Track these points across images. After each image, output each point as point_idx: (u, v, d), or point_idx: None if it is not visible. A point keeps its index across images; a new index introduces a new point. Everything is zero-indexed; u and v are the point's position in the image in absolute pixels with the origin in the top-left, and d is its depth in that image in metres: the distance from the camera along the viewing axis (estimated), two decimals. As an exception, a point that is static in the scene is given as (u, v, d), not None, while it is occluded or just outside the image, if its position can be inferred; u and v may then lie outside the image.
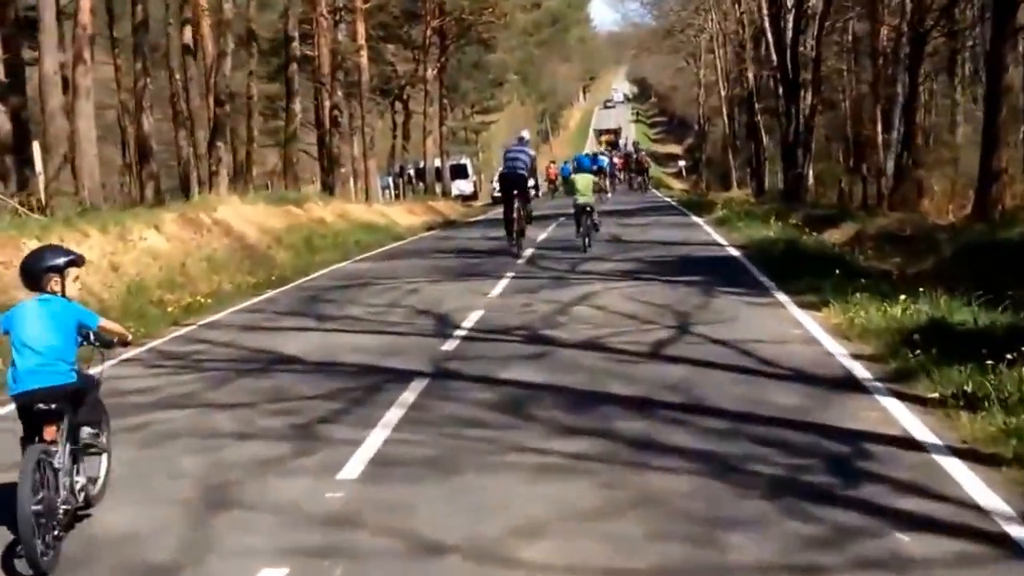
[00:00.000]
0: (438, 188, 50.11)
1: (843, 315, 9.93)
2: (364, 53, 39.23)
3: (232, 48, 24.07)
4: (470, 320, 10.82)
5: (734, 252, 16.66)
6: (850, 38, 42.38)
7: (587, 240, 17.79)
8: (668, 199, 41.15)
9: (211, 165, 23.29)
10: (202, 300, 13.91)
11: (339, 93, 32.57)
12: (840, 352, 8.54)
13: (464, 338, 9.83)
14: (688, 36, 59.16)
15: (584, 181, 18.56)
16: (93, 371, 5.65)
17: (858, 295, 10.27)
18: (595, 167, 51.06)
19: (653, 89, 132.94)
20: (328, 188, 32.88)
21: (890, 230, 19.34)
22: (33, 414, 5.07)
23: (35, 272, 5.17)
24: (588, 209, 18.03)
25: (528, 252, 18.10)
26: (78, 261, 5.30)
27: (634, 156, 63.53)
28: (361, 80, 39.56)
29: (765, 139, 45.78)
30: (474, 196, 54.52)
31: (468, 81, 63.89)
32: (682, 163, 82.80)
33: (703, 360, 8.36)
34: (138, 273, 15.29)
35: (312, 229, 25.67)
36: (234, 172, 28.72)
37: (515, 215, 17.67)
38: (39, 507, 4.73)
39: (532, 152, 18.55)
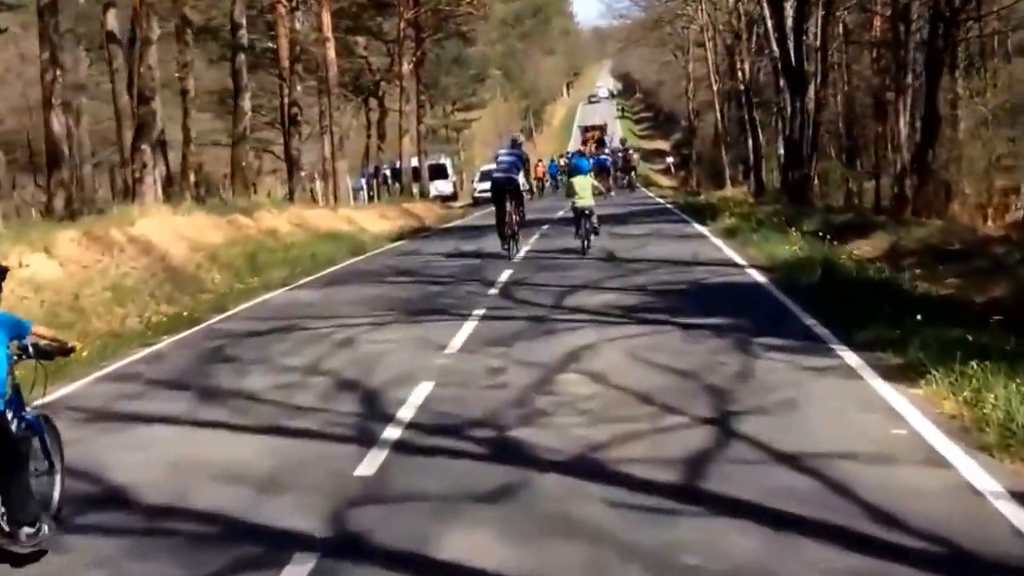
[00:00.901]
0: (416, 189, 46.67)
1: (956, 397, 6.62)
2: (331, 46, 35.75)
3: (159, 35, 20.58)
4: (410, 405, 7.41)
5: (759, 277, 13.29)
6: (841, 30, 39.16)
7: (586, 243, 17.24)
8: (660, 200, 37.79)
9: (134, 171, 19.79)
10: (76, 353, 10.45)
11: (299, 88, 29.12)
12: (992, 488, 5.18)
13: (396, 446, 6.42)
14: (676, 28, 55.79)
15: (583, 183, 17.82)
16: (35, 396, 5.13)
17: (972, 364, 6.94)
18: (596, 166, 48.02)
19: (639, 84, 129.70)
20: (290, 193, 29.51)
21: (932, 243, 16.06)
22: None
23: None
24: (587, 212, 17.41)
25: (505, 275, 14.77)
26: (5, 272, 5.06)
27: (620, 153, 60.30)
28: (328, 75, 36.09)
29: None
30: (454, 197, 51.06)
31: (448, 77, 60.41)
32: (670, 159, 79.56)
33: (776, 512, 4.98)
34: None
35: (260, 243, 22.24)
36: (168, 178, 25.23)
37: (507, 219, 17.12)
38: None
39: (524, 155, 18.27)
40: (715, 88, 49.13)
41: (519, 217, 17.69)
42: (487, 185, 43.58)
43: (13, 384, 4.89)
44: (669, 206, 31.95)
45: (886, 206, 28.45)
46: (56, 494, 5.14)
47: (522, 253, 17.88)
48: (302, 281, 16.72)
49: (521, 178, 17.92)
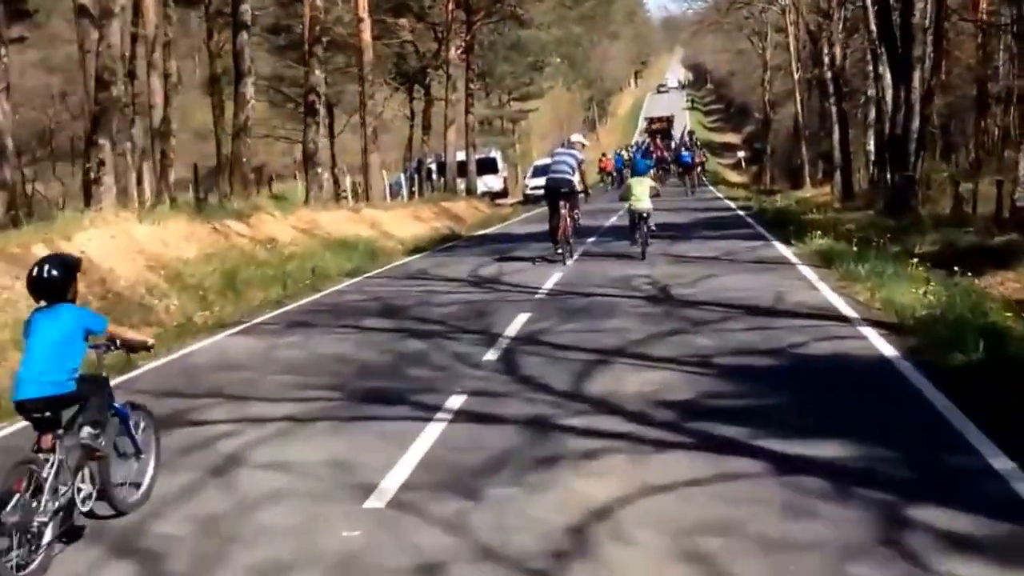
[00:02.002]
0: (462, 184, 42.75)
1: None
2: (366, 27, 32.00)
3: (124, 5, 16.88)
4: None
5: (884, 346, 8.74)
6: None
7: (644, 251, 16.12)
8: (730, 203, 33.18)
9: (88, 170, 16.13)
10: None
11: (318, 72, 25.28)
12: None
13: None
14: (754, 11, 50.90)
15: (641, 186, 16.82)
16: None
17: None
18: (651, 162, 43.84)
19: (710, 74, 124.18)
20: (306, 192, 25.78)
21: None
22: (33, 421, 5.03)
23: (57, 282, 5.06)
24: (645, 216, 16.37)
25: (518, 323, 10.69)
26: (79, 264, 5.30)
27: (686, 147, 55.98)
28: (363, 59, 32.35)
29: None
30: (504, 193, 47.00)
31: (505, 64, 56.30)
32: (741, 154, 74.44)
33: None
34: None
35: (247, 255, 18.50)
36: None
37: (561, 223, 16.17)
38: (13, 518, 4.58)
39: (580, 156, 16.99)
40: (796, 77, 44.24)
41: (573, 221, 16.77)
42: (540, 182, 39.61)
43: (102, 375, 5.53)
44: (741, 213, 27.34)
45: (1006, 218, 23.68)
46: (147, 477, 5.71)
47: (551, 284, 13.77)
48: (263, 317, 12.81)
49: (576, 180, 16.67)
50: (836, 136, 37.63)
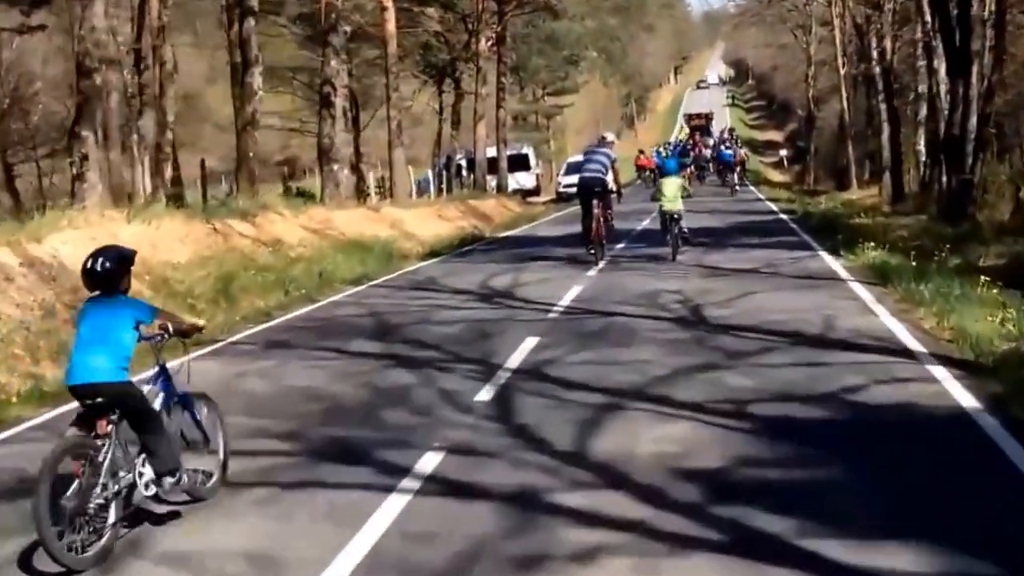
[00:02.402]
0: (492, 182, 41.29)
1: None
2: (391, 16, 30.63)
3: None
4: None
5: (963, 395, 6.95)
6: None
7: (675, 253, 15.87)
8: (772, 206, 31.36)
9: (72, 164, 14.85)
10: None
11: (333, 63, 23.91)
12: None
13: None
14: (797, 3, 48.85)
15: (672, 188, 16.60)
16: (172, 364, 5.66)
17: None
18: (684, 160, 42.14)
19: (751, 70, 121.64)
20: (320, 189, 24.46)
21: None
22: (86, 407, 5.05)
23: (111, 273, 5.15)
24: (676, 217, 16.10)
25: (524, 351, 9.21)
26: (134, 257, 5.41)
27: (726, 144, 54.02)
28: (388, 50, 31.00)
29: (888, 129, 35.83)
30: (536, 191, 45.49)
31: (539, 58, 54.73)
32: (783, 152, 72.26)
33: None
34: None
35: (248, 259, 17.26)
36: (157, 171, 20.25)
37: (595, 223, 15.80)
38: (71, 501, 4.66)
39: (613, 155, 16.73)
40: (842, 72, 42.18)
41: (606, 221, 16.44)
42: (573, 180, 37.99)
43: (160, 363, 5.54)
44: (784, 217, 25.53)
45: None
46: (217, 464, 5.76)
47: (569, 299, 12.25)
48: (242, 335, 11.41)
49: (610, 179, 16.31)
50: (885, 135, 35.64)
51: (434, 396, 7.80)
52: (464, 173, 41.81)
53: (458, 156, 42.65)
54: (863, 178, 42.73)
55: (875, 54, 36.49)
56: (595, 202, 15.78)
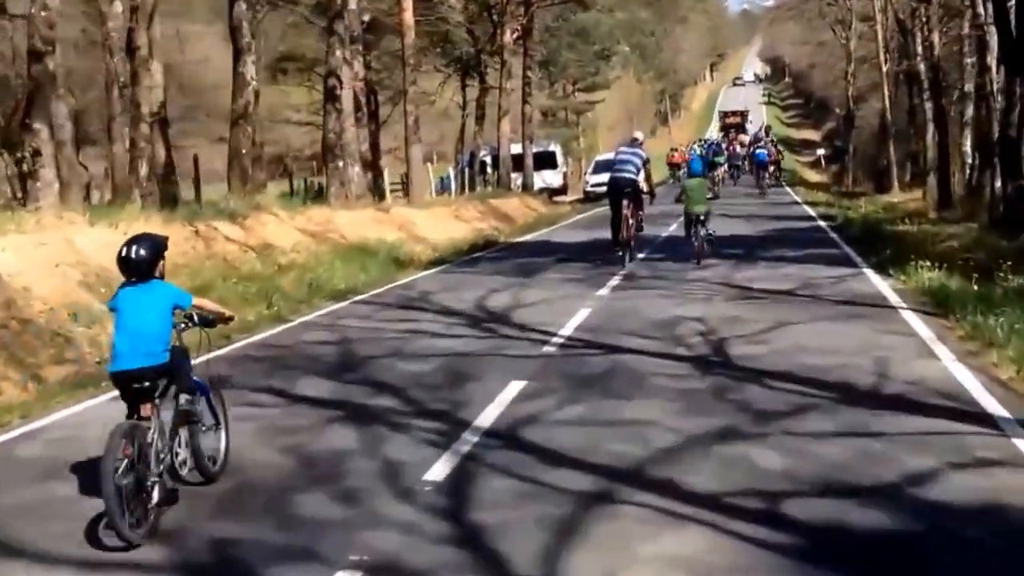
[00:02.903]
0: (518, 180, 39.48)
1: None
2: (408, 6, 28.93)
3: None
4: None
5: None
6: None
7: (700, 257, 15.25)
8: (808, 208, 29.27)
9: (21, 159, 13.22)
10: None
11: (337, 52, 22.20)
12: None
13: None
14: (838, -3, 46.54)
15: (697, 189, 16.19)
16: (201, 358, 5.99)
17: None
18: (717, 160, 40.05)
19: (788, 68, 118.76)
20: (322, 187, 22.77)
21: None
22: (130, 391, 5.20)
23: (146, 260, 5.26)
24: (701, 218, 15.55)
25: (505, 398, 7.42)
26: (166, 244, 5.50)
27: (762, 143, 51.79)
28: (404, 42, 29.30)
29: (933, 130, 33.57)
30: (563, 190, 43.59)
31: (569, 52, 52.79)
32: (821, 152, 69.70)
33: None
34: None
35: (231, 265, 15.73)
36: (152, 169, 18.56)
37: (624, 223, 15.43)
38: (127, 481, 4.85)
39: (644, 154, 16.31)
40: (884, 69, 39.85)
41: (636, 221, 15.91)
42: (602, 178, 36.02)
43: (181, 348, 5.56)
44: (822, 224, 23.42)
45: None
46: (223, 447, 6.02)
47: (571, 327, 10.41)
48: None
49: (642, 180, 15.93)
50: (930, 135, 33.42)
51: (374, 471, 6.02)
52: (489, 170, 40.03)
53: (482, 153, 40.88)
54: (904, 180, 40.39)
55: (920, 49, 34.19)
56: (625, 202, 15.35)
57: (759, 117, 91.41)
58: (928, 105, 33.93)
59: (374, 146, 34.28)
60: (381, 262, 18.50)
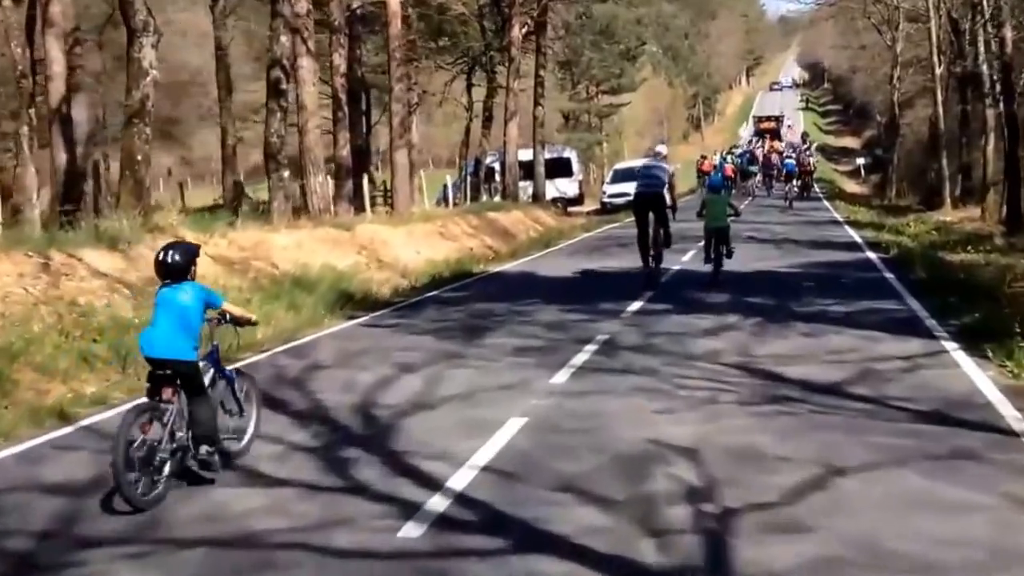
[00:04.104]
0: (529, 189, 35.23)
1: None
2: (394, -10, 24.86)
3: None
4: None
5: None
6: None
7: (716, 276, 14.40)
8: (852, 232, 24.61)
9: None
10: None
11: (283, 39, 18.02)
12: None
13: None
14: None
15: (716, 205, 14.95)
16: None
17: None
18: (751, 169, 35.90)
19: (827, 72, 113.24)
20: (269, 201, 18.61)
21: None
22: (156, 375, 5.81)
23: (180, 265, 5.89)
24: (721, 234, 14.59)
25: None
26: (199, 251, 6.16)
27: (795, 151, 47.32)
28: (390, 32, 25.21)
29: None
30: (579, 199, 39.15)
31: (592, 51, 48.39)
32: (861, 161, 64.61)
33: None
34: None
35: (86, 312, 11.62)
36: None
37: (651, 239, 14.64)
38: (141, 452, 5.48)
39: (670, 168, 15.76)
40: (937, 72, 34.99)
41: (663, 237, 14.96)
42: (623, 188, 31.26)
43: (213, 343, 6.24)
44: (873, 257, 18.35)
45: None
46: (248, 432, 6.50)
47: (473, 473, 6.09)
48: None
49: (666, 193, 15.12)
50: (991, 145, 28.67)
51: None
52: (497, 178, 35.78)
53: (489, 159, 36.63)
54: (954, 195, 35.53)
55: (981, 48, 29.42)
56: (652, 217, 14.64)
57: (797, 123, 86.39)
58: (990, 112, 29.18)
59: (358, 152, 30.16)
60: (321, 298, 14.34)
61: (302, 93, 20.85)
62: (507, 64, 33.11)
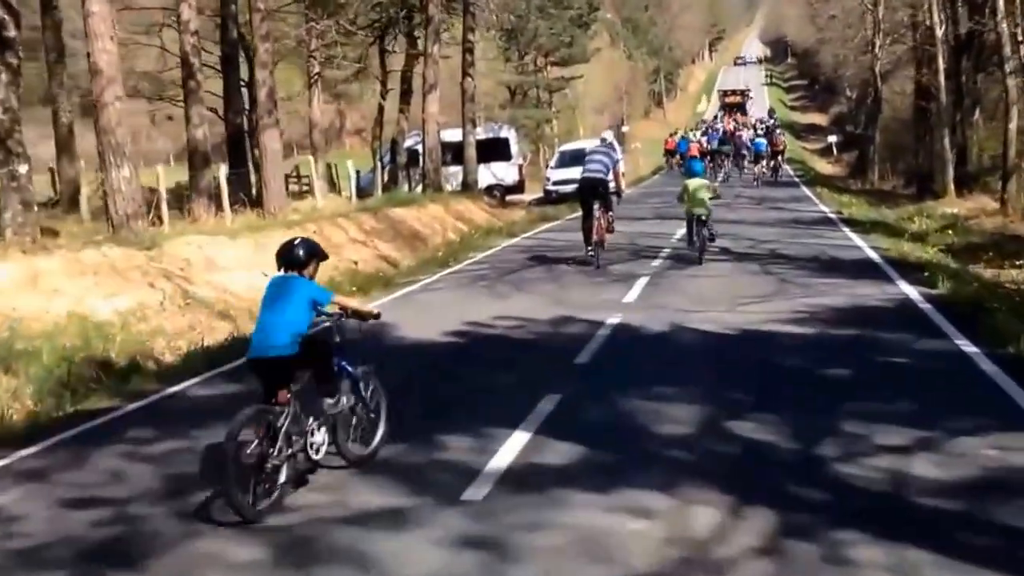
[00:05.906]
0: (455, 179, 28.88)
1: None
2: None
3: None
4: None
5: None
6: None
7: (701, 257, 14.22)
8: (852, 234, 18.28)
9: None
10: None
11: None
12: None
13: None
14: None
15: (698, 190, 14.51)
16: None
17: None
18: (723, 149, 32.44)
19: (791, 47, 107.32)
20: None
21: None
22: (264, 378, 5.38)
23: (300, 258, 5.53)
24: (702, 218, 14.37)
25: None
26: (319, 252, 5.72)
27: (763, 129, 42.61)
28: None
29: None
30: (518, 187, 32.64)
31: (540, 18, 41.88)
32: (833, 139, 58.58)
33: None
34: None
35: None
36: None
37: (595, 225, 14.52)
38: (250, 460, 5.03)
39: (616, 155, 15.54)
40: (938, 34, 28.79)
41: (607, 223, 14.84)
42: (569, 174, 26.35)
43: (339, 341, 5.79)
44: (910, 293, 11.13)
45: None
46: (377, 435, 5.97)
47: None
48: None
49: (611, 179, 14.77)
50: (1013, 123, 22.66)
51: None
52: (420, 163, 29.30)
53: (409, 140, 30.17)
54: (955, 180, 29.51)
55: (1000, 3, 23.33)
56: (596, 204, 14.45)
57: (761, 99, 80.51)
58: (1011, 81, 23.18)
59: (237, 132, 23.60)
60: (40, 379, 7.99)
61: (93, 51, 14.32)
62: (425, 26, 26.59)
